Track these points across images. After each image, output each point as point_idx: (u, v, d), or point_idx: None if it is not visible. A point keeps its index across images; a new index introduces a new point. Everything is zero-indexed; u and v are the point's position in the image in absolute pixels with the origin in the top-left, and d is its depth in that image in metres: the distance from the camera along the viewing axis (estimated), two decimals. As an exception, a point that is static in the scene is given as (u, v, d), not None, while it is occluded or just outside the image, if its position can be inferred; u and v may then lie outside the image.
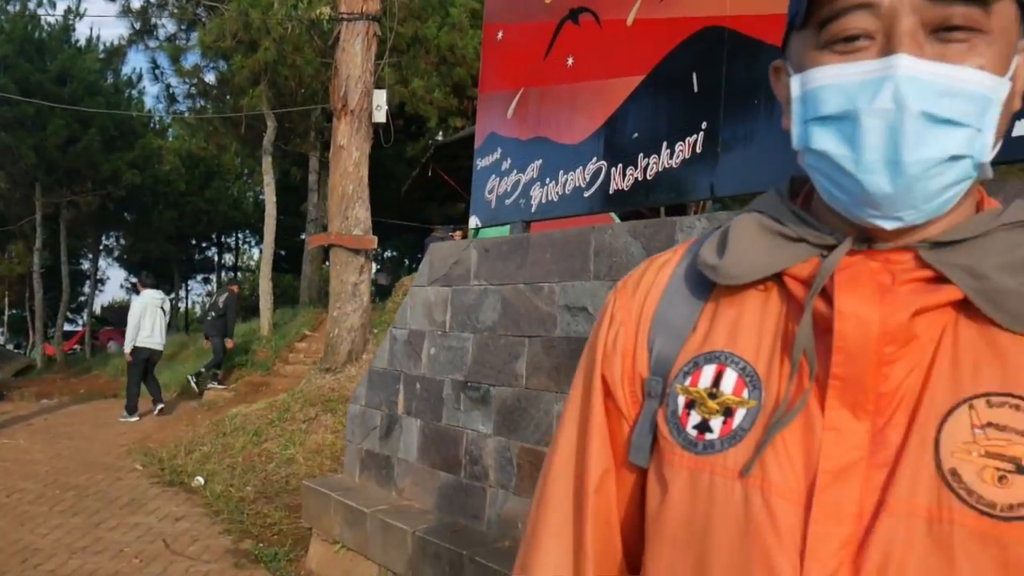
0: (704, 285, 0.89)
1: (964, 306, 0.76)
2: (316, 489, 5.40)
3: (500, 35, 5.17)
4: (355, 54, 9.84)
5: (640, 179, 3.90)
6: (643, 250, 3.53)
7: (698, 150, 3.60)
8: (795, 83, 0.81)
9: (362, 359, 9.76)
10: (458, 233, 14.20)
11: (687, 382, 0.85)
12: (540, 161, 4.60)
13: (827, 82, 0.76)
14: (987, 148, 0.75)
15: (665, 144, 3.76)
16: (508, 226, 5.03)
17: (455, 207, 20.56)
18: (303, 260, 21.49)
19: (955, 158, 0.74)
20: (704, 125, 3.58)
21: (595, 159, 4.19)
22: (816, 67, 0.77)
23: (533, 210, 4.61)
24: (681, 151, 3.69)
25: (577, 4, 4.49)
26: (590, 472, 0.94)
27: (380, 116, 10.18)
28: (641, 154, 3.89)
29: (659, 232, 3.48)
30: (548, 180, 4.51)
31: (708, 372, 0.84)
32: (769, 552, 0.76)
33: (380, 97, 10.19)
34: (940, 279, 0.76)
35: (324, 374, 9.68)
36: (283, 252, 29.13)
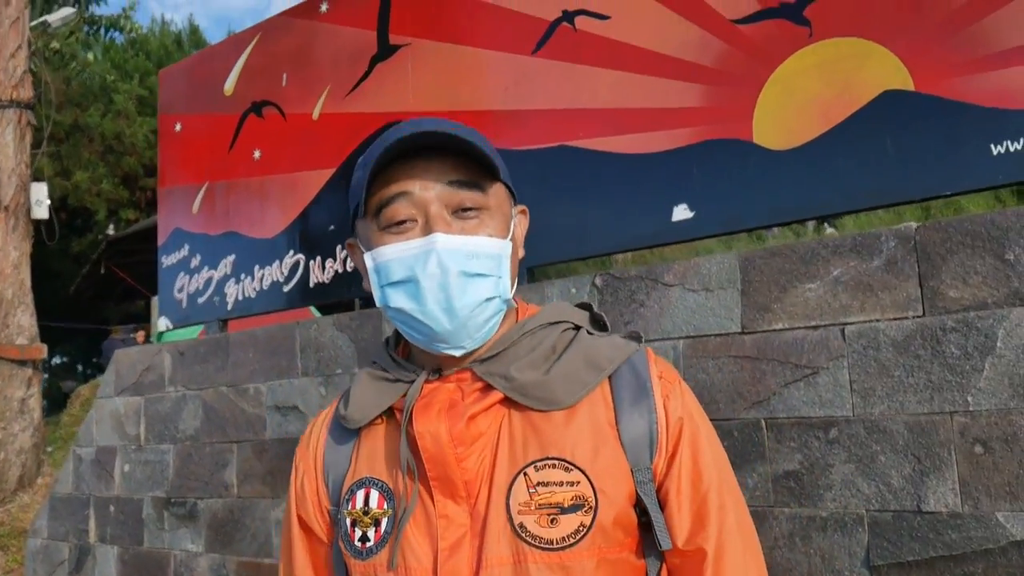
0: (351, 429, 1.14)
1: (510, 402, 1.03)
2: (-9, 647, 4.66)
3: (178, 127, 4.97)
4: (6, 144, 8.90)
5: (340, 271, 3.90)
6: (351, 342, 3.52)
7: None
8: (368, 259, 1.06)
9: (37, 484, 8.63)
10: (140, 334, 13.18)
11: (349, 507, 1.08)
12: (233, 256, 4.45)
13: (391, 257, 1.02)
14: (508, 288, 1.05)
15: (362, 235, 3.80)
16: (198, 327, 4.78)
17: (135, 304, 19.06)
18: (-48, 376, 18.65)
19: (488, 299, 1.02)
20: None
21: (292, 252, 4.14)
22: (381, 246, 1.03)
23: (229, 307, 4.42)
24: (379, 241, 3.75)
25: (260, 97, 4.45)
26: None
27: (41, 212, 9.25)
28: (339, 246, 3.90)
29: (365, 324, 3.49)
30: (244, 276, 4.37)
31: (360, 495, 1.08)
32: None
33: (40, 191, 9.27)
34: (489, 386, 1.04)
35: (-11, 507, 8.42)
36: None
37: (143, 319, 16.34)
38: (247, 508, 3.78)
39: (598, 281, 2.88)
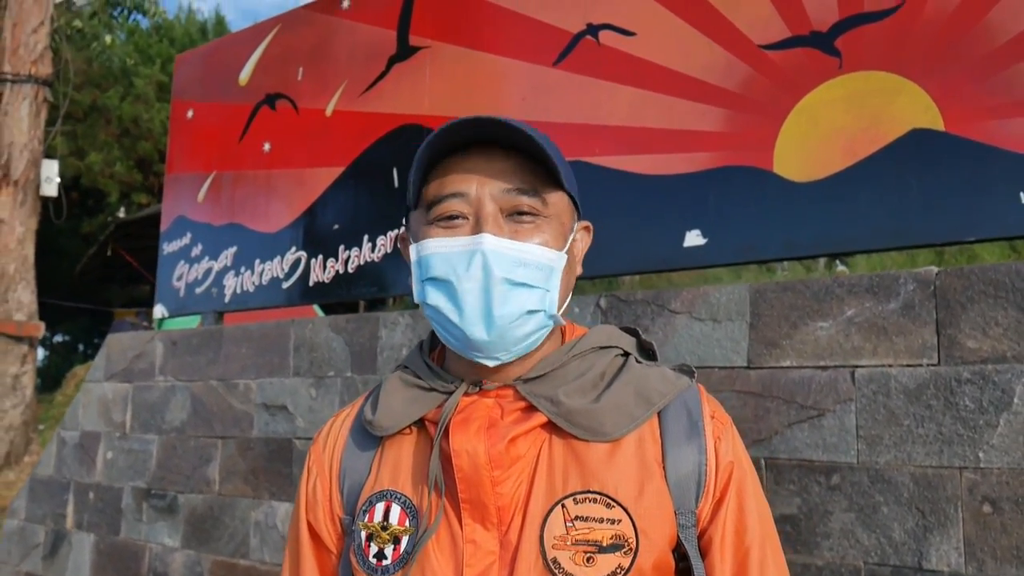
0: (374, 434, 1.07)
1: (552, 426, 0.98)
2: (-42, 627, 4.57)
3: (191, 114, 4.91)
4: (20, 119, 8.88)
5: (341, 271, 3.83)
6: (345, 345, 3.44)
7: (400, 245, 3.60)
8: (413, 250, 1.01)
9: (24, 462, 8.57)
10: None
11: (365, 519, 1.02)
12: (235, 248, 4.38)
13: (434, 250, 0.97)
14: (555, 303, 0.98)
15: (367, 237, 3.73)
16: (197, 317, 4.71)
17: (139, 289, 19.04)
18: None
19: (531, 312, 0.96)
20: (405, 220, 3.60)
21: (294, 249, 4.06)
22: (426, 239, 0.98)
23: (227, 300, 4.35)
24: (383, 245, 3.67)
25: (274, 89, 4.39)
26: None
27: (50, 189, 9.23)
28: (342, 246, 3.83)
29: (362, 327, 3.41)
30: (244, 269, 4.29)
31: (380, 508, 1.02)
32: None
33: (51, 168, 9.26)
34: (532, 407, 0.98)
35: (-26, 481, 8.35)
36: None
37: (147, 304, 16.30)
38: (227, 506, 3.69)
39: (603, 302, 2.79)
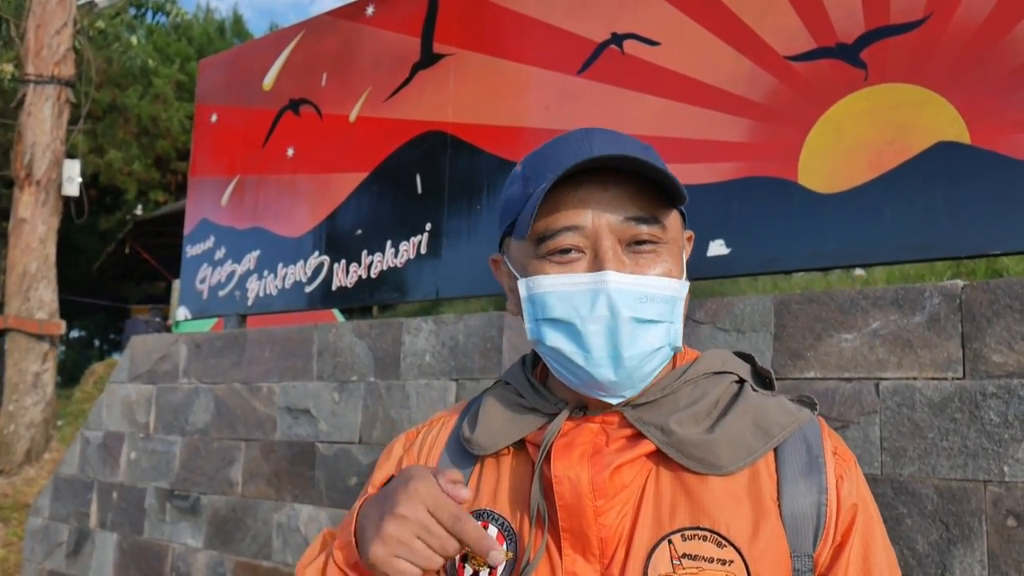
0: (471, 452, 1.02)
1: (660, 456, 0.92)
2: (-17, 623, 4.63)
3: (214, 118, 4.95)
4: (43, 120, 8.95)
5: (364, 276, 3.86)
6: (368, 351, 3.47)
7: (422, 251, 3.64)
8: (523, 286, 0.94)
9: (44, 459, 8.64)
10: (169, 322, 13.21)
11: None
12: (258, 252, 4.42)
13: (551, 289, 0.91)
14: (679, 336, 0.93)
15: (390, 243, 3.76)
16: (212, 319, 4.75)
17: (155, 286, 19.16)
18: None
19: (658, 349, 0.91)
20: (428, 226, 3.63)
21: (317, 254, 4.10)
22: (540, 275, 0.92)
23: (250, 303, 4.39)
24: (406, 251, 3.70)
25: (298, 95, 4.43)
26: None
27: (72, 189, 9.28)
28: (365, 251, 3.86)
29: (385, 333, 3.44)
30: (267, 273, 4.34)
31: None
32: None
33: (72, 168, 9.31)
34: (639, 435, 0.92)
35: (-5, 477, 8.43)
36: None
37: (163, 301, 16.40)
38: (250, 508, 3.73)
39: (626, 311, 2.81)
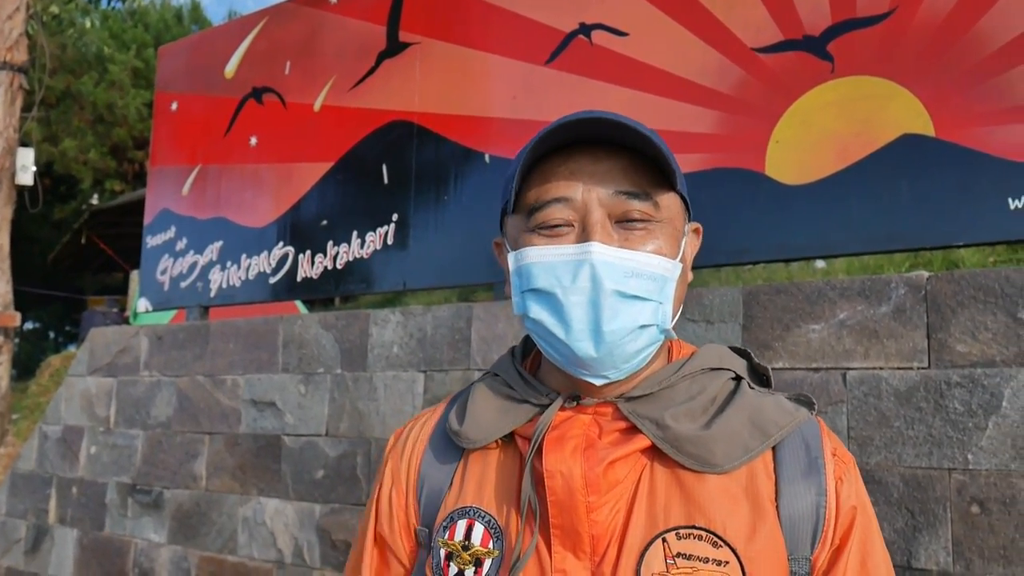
0: (457, 444, 0.99)
1: (655, 451, 0.89)
2: (-62, 623, 4.53)
3: (175, 106, 4.86)
4: (-5, 107, 8.73)
5: (330, 267, 3.82)
6: (335, 343, 3.43)
7: (389, 241, 3.60)
8: (512, 259, 0.93)
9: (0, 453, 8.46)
10: (126, 313, 12.98)
11: (446, 536, 0.94)
12: (220, 243, 4.35)
13: (536, 260, 0.89)
14: (668, 317, 0.90)
15: (356, 233, 3.73)
16: (172, 311, 4.68)
17: (112, 277, 18.81)
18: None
19: (644, 326, 0.88)
20: (395, 217, 3.60)
21: (281, 244, 4.04)
22: (527, 247, 0.90)
23: (212, 294, 4.32)
24: (372, 241, 3.67)
25: (261, 83, 4.36)
26: None
27: (26, 178, 9.07)
28: (331, 242, 3.82)
29: (352, 324, 3.41)
30: (229, 263, 4.27)
31: (461, 526, 0.94)
32: None
33: (26, 156, 9.09)
34: (634, 429, 0.90)
35: (-53, 474, 8.24)
36: None
37: (121, 292, 16.12)
38: (214, 502, 3.68)
39: (596, 302, 2.81)
